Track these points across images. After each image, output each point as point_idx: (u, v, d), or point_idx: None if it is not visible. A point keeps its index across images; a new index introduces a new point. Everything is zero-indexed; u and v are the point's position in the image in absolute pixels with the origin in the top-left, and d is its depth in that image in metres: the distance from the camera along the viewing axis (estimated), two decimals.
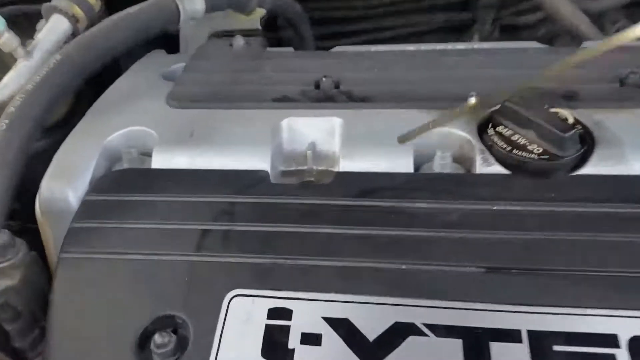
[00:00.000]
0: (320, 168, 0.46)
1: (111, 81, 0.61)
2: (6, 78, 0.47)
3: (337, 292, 0.34)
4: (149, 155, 0.46)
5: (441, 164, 0.42)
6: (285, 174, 0.45)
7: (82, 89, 0.70)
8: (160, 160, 0.44)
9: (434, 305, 0.33)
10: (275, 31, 0.79)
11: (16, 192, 0.39)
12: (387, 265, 0.35)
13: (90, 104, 0.66)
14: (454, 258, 0.35)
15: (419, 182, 0.40)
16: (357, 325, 0.32)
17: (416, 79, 0.51)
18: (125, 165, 0.45)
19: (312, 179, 0.44)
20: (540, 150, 0.41)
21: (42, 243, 0.52)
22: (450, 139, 0.44)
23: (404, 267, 0.35)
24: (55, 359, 0.33)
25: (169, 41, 0.67)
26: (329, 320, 0.32)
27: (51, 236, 0.44)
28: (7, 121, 0.38)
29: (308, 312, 0.33)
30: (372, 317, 0.32)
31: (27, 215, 0.69)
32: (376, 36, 0.78)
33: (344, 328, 0.32)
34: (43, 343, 0.49)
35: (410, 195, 0.39)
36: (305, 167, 0.46)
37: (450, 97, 0.45)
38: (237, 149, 0.44)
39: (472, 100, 0.37)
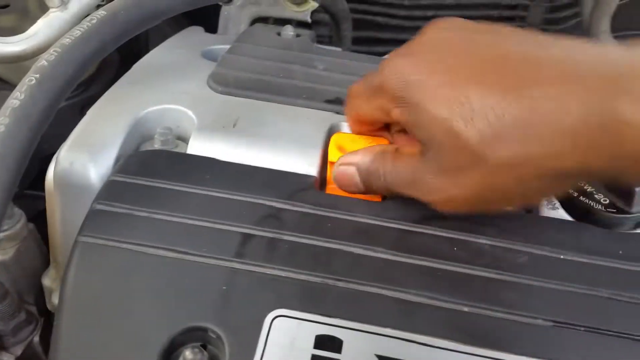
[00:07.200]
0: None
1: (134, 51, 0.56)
2: (35, 27, 0.42)
3: (393, 327, 0.30)
4: (183, 139, 0.42)
5: None
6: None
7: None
8: (198, 146, 0.39)
9: (497, 357, 0.30)
10: (309, 27, 0.75)
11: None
12: (448, 304, 0.31)
13: (115, 70, 0.60)
14: (521, 306, 0.32)
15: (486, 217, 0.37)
16: None
17: None
18: (156, 145, 0.40)
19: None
20: (607, 202, 0.38)
21: (39, 214, 0.46)
22: None
23: (466, 309, 0.31)
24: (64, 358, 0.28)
25: (203, 20, 0.62)
26: None
27: (59, 212, 0.39)
28: (37, 76, 0.33)
29: (360, 346, 0.29)
30: None
31: (28, 180, 0.63)
32: None
33: None
34: (26, 330, 0.43)
35: (476, 230, 0.35)
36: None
37: None
38: (286, 147, 0.39)
39: None
